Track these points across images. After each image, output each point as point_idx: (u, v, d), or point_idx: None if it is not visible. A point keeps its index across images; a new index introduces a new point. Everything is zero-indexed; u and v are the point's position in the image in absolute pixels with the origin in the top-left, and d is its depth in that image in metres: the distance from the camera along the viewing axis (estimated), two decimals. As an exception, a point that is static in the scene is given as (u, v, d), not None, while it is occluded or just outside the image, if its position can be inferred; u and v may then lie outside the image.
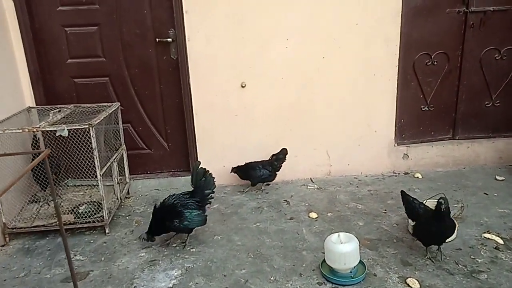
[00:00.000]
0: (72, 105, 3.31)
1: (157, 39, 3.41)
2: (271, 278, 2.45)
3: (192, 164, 3.55)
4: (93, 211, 3.04)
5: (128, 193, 3.56)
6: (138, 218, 3.20)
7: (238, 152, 3.61)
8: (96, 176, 2.87)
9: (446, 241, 2.57)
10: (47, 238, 2.97)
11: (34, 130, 2.81)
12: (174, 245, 2.83)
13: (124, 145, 3.46)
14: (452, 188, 3.49)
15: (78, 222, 2.97)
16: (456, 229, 2.67)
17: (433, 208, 2.44)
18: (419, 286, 2.32)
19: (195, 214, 2.74)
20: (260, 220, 3.12)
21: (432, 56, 3.67)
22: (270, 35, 3.42)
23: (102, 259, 2.72)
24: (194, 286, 2.42)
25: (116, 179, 3.23)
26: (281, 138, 3.63)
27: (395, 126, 3.76)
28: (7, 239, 2.92)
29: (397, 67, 3.59)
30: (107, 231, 2.99)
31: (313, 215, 3.14)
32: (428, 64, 3.69)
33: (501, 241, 2.71)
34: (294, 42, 3.45)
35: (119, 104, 3.36)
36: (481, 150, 3.88)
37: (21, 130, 2.74)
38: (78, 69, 3.46)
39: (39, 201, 3.25)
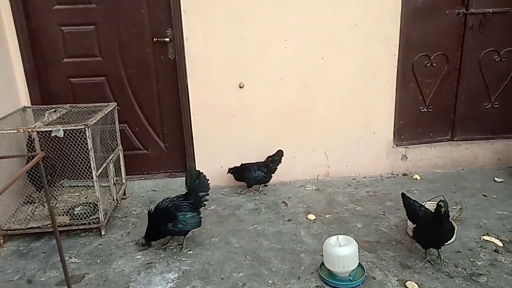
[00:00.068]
0: (68, 105, 3.28)
1: (154, 38, 3.38)
2: (269, 281, 2.43)
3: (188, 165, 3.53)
4: (88, 212, 3.01)
5: (124, 194, 3.53)
6: (135, 220, 3.17)
7: (236, 153, 3.58)
8: (92, 177, 2.84)
9: (445, 244, 2.55)
10: (42, 240, 2.93)
11: (29, 130, 2.77)
12: (171, 247, 2.80)
13: (120, 146, 3.43)
14: (450, 189, 3.48)
15: (74, 223, 2.93)
16: (455, 232, 2.66)
17: (433, 211, 2.42)
18: (418, 290, 2.31)
19: (189, 216, 2.71)
20: (257, 222, 3.09)
21: (432, 58, 3.66)
22: (270, 35, 3.39)
23: (98, 261, 2.68)
24: (191, 289, 2.39)
25: (112, 180, 3.19)
26: (280, 138, 3.61)
27: (394, 127, 3.74)
28: (1, 241, 2.88)
29: (396, 68, 3.57)
30: (103, 233, 2.96)
31: (311, 216, 3.12)
32: (427, 65, 3.67)
33: (500, 244, 2.70)
34: (293, 43, 3.43)
35: (116, 104, 3.33)
36: (479, 152, 3.88)
37: (16, 131, 2.71)
38: (75, 68, 3.43)
39: (34, 202, 3.21)
